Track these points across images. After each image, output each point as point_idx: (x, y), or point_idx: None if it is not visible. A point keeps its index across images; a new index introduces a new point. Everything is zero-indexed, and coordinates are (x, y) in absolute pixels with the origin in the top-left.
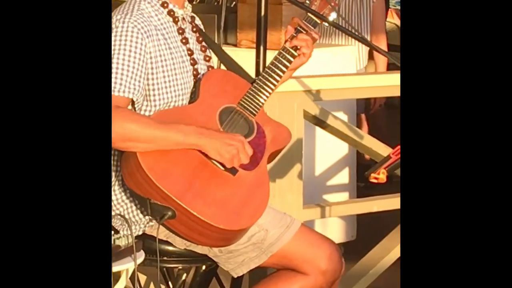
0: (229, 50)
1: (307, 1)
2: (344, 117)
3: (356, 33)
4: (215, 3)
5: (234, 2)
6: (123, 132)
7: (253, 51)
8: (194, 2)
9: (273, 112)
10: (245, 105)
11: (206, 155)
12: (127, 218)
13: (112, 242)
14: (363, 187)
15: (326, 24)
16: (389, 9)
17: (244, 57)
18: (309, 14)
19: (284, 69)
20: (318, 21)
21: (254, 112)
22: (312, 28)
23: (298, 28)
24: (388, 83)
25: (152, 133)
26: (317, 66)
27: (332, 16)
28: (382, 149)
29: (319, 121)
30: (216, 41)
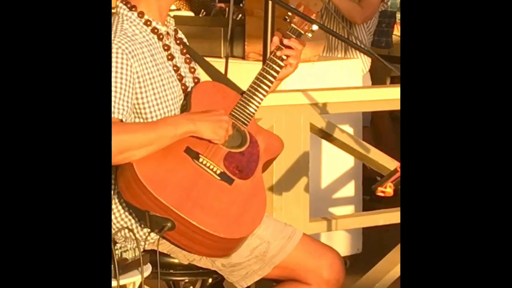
0: (236, 62)
1: (287, 17)
2: (350, 130)
3: (358, 43)
4: (222, 16)
5: (240, 15)
6: (116, 144)
7: (260, 64)
8: (200, 15)
9: (279, 125)
10: (237, 116)
11: (200, 165)
12: (132, 229)
13: (119, 255)
14: (368, 200)
15: (310, 35)
16: (395, 23)
17: (251, 69)
18: (293, 25)
19: (272, 79)
20: (302, 31)
21: (246, 122)
22: (296, 38)
23: (283, 38)
24: (394, 96)
25: (144, 137)
26: (323, 79)
27: (314, 27)
28: (388, 163)
29: (325, 134)
30: (222, 54)
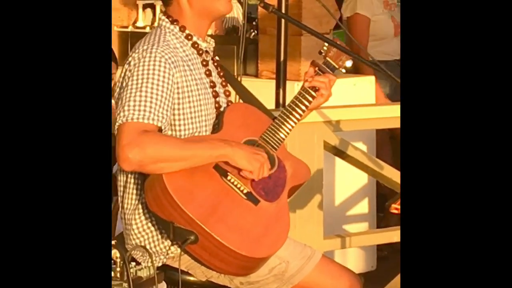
0: (249, 80)
1: (322, 50)
2: (364, 148)
3: (375, 63)
4: (235, 34)
5: (253, 33)
6: (154, 154)
7: (273, 82)
8: (213, 34)
9: (293, 142)
10: (267, 140)
11: (228, 183)
12: (148, 249)
13: (134, 273)
14: (382, 217)
15: (344, 70)
16: None
17: (264, 87)
18: (328, 59)
19: (303, 108)
20: (336, 66)
21: (276, 147)
22: (331, 72)
23: (317, 70)
24: None
25: (182, 152)
26: (337, 96)
27: (348, 63)
28: None
29: (338, 152)
30: (235, 72)
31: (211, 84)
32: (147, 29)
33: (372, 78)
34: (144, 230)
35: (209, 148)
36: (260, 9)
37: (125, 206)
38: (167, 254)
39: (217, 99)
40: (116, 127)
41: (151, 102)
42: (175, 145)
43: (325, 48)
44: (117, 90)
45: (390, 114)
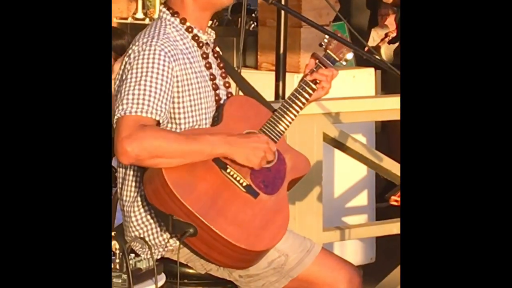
0: (248, 72)
1: (323, 43)
2: (363, 140)
3: (376, 57)
4: (234, 26)
5: (252, 25)
6: (152, 149)
7: (273, 74)
8: (212, 25)
9: (292, 134)
10: (267, 132)
11: (227, 176)
12: (147, 241)
13: (133, 265)
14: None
15: (344, 63)
16: None
17: (264, 79)
18: (328, 52)
19: (304, 101)
20: (337, 59)
21: (275, 140)
22: (331, 65)
23: (318, 63)
24: None
25: (180, 148)
26: (336, 88)
27: (349, 56)
28: None
29: (338, 144)
30: (235, 64)
31: (211, 77)
32: (147, 21)
33: (371, 70)
34: (143, 223)
35: (209, 146)
36: (259, 0)
37: (124, 198)
38: (166, 246)
39: (217, 91)
40: (114, 120)
41: (149, 95)
42: (174, 141)
43: (325, 40)
44: (117, 82)
45: (390, 106)
